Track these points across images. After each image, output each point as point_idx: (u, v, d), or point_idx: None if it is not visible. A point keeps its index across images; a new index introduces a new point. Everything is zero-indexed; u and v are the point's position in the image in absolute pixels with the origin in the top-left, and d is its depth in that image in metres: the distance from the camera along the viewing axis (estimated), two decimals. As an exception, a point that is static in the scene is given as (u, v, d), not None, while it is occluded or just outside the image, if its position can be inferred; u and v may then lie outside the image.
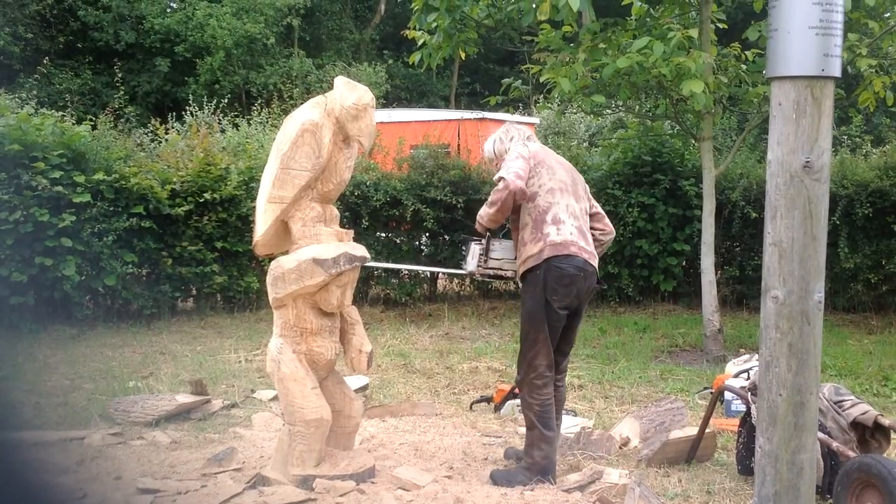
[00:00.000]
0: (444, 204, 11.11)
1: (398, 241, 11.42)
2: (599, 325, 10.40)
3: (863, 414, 4.92)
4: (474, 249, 5.31)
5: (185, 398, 6.45)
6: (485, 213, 5.14)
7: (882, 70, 8.82)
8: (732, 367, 7.66)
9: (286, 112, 16.91)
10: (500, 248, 5.31)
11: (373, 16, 37.52)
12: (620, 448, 5.77)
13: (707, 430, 5.45)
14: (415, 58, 9.97)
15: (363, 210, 10.80)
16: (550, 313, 5.03)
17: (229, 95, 24.28)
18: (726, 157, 9.80)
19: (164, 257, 10.00)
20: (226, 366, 8.04)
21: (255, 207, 9.85)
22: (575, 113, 18.76)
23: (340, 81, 4.90)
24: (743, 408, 6.43)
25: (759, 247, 11.32)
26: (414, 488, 4.77)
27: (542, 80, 8.31)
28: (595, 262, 5.16)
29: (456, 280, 12.34)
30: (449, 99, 37.94)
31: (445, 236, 11.53)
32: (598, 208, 5.45)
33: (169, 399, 6.39)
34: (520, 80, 10.28)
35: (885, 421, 4.95)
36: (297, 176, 4.75)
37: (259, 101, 21.33)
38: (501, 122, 16.75)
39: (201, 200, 10.08)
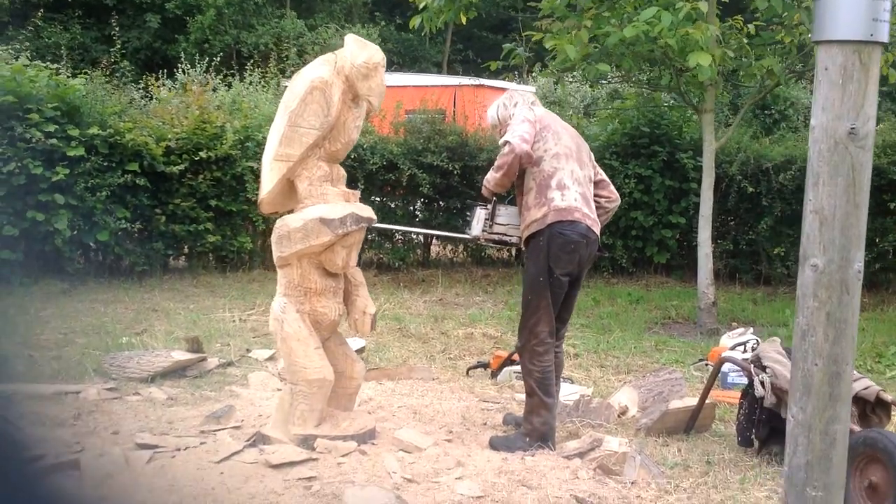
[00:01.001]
0: (441, 170, 11.04)
1: (393, 206, 11.35)
2: (593, 295, 10.39)
3: (865, 389, 4.92)
4: (479, 214, 5.26)
5: (181, 355, 6.41)
6: (491, 177, 5.09)
7: (884, 48, 8.74)
8: (727, 339, 7.69)
9: (282, 72, 16.79)
10: (506, 214, 5.26)
11: (366, -23, 37.14)
12: (619, 417, 5.78)
13: (706, 402, 5.45)
14: (415, 21, 9.86)
15: (359, 174, 10.70)
16: (553, 280, 5.00)
17: (220, 55, 24.00)
18: (727, 131, 9.76)
19: (158, 214, 9.91)
20: (220, 324, 7.99)
21: (250, 167, 9.94)
22: (571, 82, 18.61)
23: (351, 39, 4.82)
24: (740, 380, 6.47)
25: (753, 221, 11.32)
26: (415, 450, 4.76)
27: (547, 46, 8.20)
28: (597, 230, 5.13)
29: (449, 246, 12.28)
30: (441, 65, 37.69)
31: (441, 202, 11.47)
32: (602, 175, 5.41)
33: (165, 355, 6.34)
34: (520, 47, 10.20)
35: (888, 396, 4.95)
36: (304, 134, 4.68)
37: (252, 61, 21.06)
38: (499, 89, 16.68)
39: (196, 159, 9.97)
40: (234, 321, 8.19)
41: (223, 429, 5.08)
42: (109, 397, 5.75)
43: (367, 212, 4.83)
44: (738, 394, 6.19)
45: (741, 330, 7.93)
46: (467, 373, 6.81)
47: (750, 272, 11.57)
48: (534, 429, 5.04)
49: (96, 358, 6.60)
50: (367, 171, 10.76)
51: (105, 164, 9.47)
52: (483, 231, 5.26)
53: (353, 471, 4.47)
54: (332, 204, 4.77)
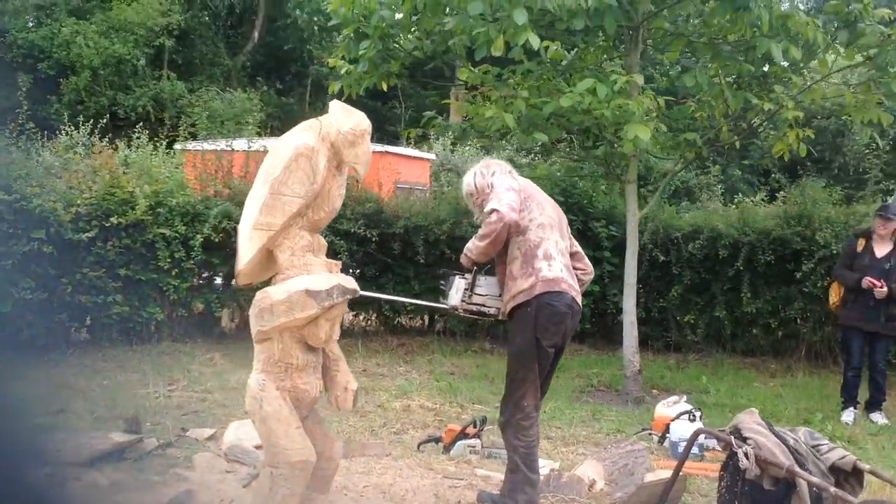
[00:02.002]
0: (358, 237, 10.88)
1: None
2: (513, 364, 10.33)
3: (841, 458, 4.98)
4: (458, 284, 5.15)
5: (119, 436, 6.01)
6: (474, 246, 5.00)
7: (796, 123, 9.13)
8: (663, 408, 7.75)
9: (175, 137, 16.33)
10: (485, 284, 5.17)
11: (245, 42, 36.87)
12: (588, 490, 5.68)
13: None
14: (334, 87, 9.78)
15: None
16: (540, 351, 4.94)
17: (94, 117, 23.27)
18: (650, 202, 9.97)
19: (63, 284, 9.39)
20: (143, 401, 7.56)
21: (161, 234, 9.55)
22: (468, 148, 18.84)
23: (337, 105, 4.69)
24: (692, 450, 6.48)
25: (664, 289, 11.54)
26: (407, 535, 4.55)
27: (487, 115, 8.17)
28: (580, 301, 5.09)
29: (363, 315, 12.09)
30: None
31: (358, 269, 11.27)
32: (577, 247, 5.39)
33: (103, 437, 5.94)
34: (439, 117, 10.27)
35: (865, 466, 5.03)
36: (288, 202, 4.49)
37: (141, 123, 20.42)
38: (405, 156, 16.65)
39: (106, 225, 9.52)
40: (157, 397, 7.77)
41: (191, 517, 4.76)
42: (49, 484, 5.30)
43: (352, 283, 4.64)
44: (702, 465, 6.26)
45: (675, 398, 8.00)
46: (418, 447, 6.61)
47: (660, 339, 11.77)
48: (517, 506, 4.91)
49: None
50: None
51: (10, 230, 8.93)
52: (462, 301, 5.15)
53: (349, 559, 4.24)
54: (317, 275, 4.58)
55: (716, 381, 9.91)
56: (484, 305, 5.18)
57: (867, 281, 8.11)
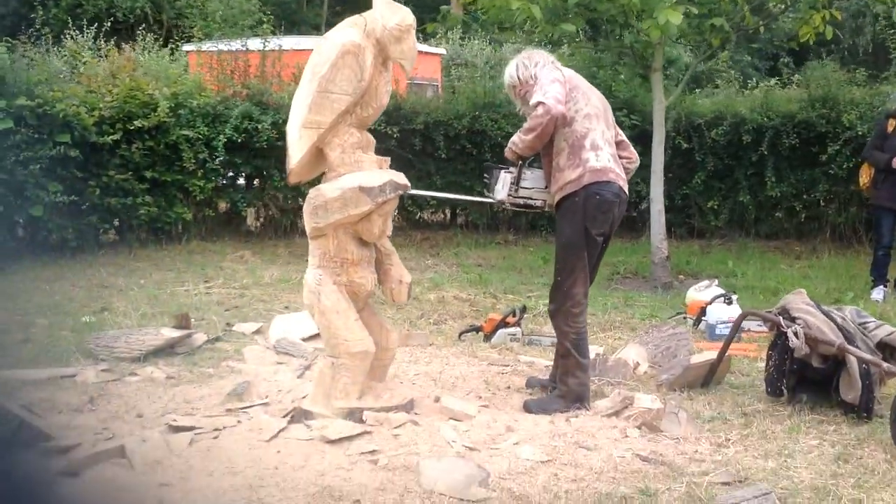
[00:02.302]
0: (378, 133, 10.84)
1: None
2: (540, 254, 10.45)
3: (889, 335, 5.10)
4: (504, 178, 5.17)
5: (171, 332, 6.13)
6: (520, 139, 4.99)
7: (822, 5, 9.00)
8: (695, 292, 7.85)
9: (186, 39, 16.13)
10: (531, 178, 5.19)
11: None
12: (633, 372, 5.82)
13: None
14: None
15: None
16: (589, 240, 4.99)
17: (94, 20, 22.88)
18: (676, 89, 9.91)
19: (91, 187, 9.44)
20: (183, 299, 7.69)
21: (184, 135, 9.55)
22: (477, 42, 18.60)
23: (380, 1, 4.64)
24: (726, 331, 6.61)
25: (686, 176, 11.55)
26: (466, 418, 4.69)
27: (514, 6, 8.03)
28: (626, 189, 5.13)
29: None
30: (320, 28, 37.04)
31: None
32: (622, 136, 5.39)
33: (155, 333, 6.06)
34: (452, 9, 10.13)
35: (914, 341, 5.14)
36: (336, 100, 4.50)
37: (143, 27, 20.11)
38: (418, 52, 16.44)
39: (130, 128, 9.52)
40: (197, 294, 7.90)
41: (251, 406, 4.90)
42: (108, 379, 5.47)
43: (403, 178, 4.69)
44: (740, 345, 6.38)
45: (706, 282, 8.10)
46: (459, 337, 6.74)
47: (683, 226, 11.83)
48: (570, 390, 5.03)
49: (70, 339, 6.26)
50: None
51: (35, 136, 8.94)
52: (509, 195, 5.18)
53: (413, 442, 4.38)
54: (369, 172, 4.62)
55: (742, 265, 10.01)
56: (530, 198, 5.22)
57: (897, 161, 8.13)
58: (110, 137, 9.36)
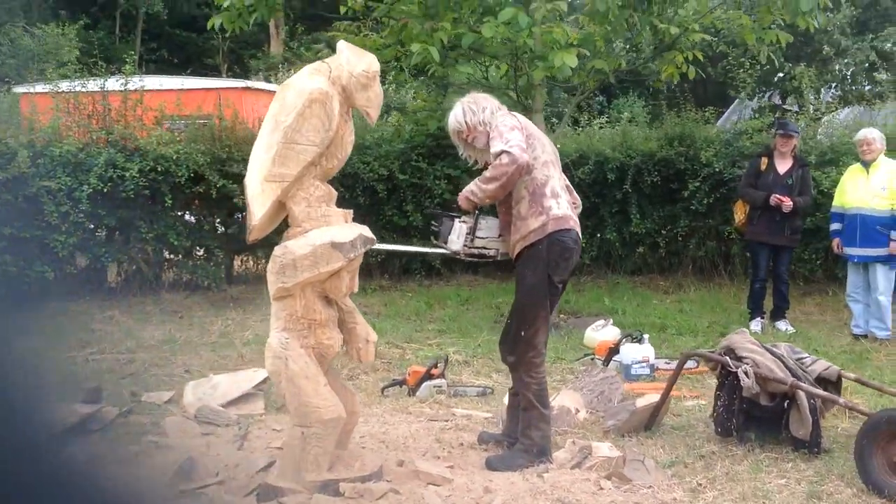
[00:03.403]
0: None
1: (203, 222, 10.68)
2: (421, 299, 10.33)
3: (825, 370, 5.29)
4: (460, 227, 5.04)
5: (84, 408, 5.63)
6: (480, 189, 4.87)
7: (687, 47, 9.40)
8: (593, 332, 7.98)
9: None
10: (486, 227, 5.10)
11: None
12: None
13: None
14: (214, 22, 9.35)
15: (164, 187, 9.92)
16: (552, 288, 4.96)
17: None
18: (556, 131, 10.07)
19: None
20: (72, 367, 7.11)
21: (46, 187, 8.89)
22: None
23: (345, 46, 4.47)
24: (642, 371, 6.73)
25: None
26: (444, 482, 4.52)
27: (413, 49, 7.95)
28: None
29: (250, 260, 11.74)
30: (136, 65, 35.77)
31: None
32: (566, 180, 5.38)
33: (68, 410, 5.53)
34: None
35: (850, 375, 5.35)
36: (302, 151, 4.29)
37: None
38: (266, 91, 16.07)
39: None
40: (86, 361, 7.33)
41: (205, 486, 4.54)
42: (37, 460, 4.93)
43: (369, 232, 4.50)
44: (658, 385, 6.47)
45: (602, 322, 8.27)
46: (382, 392, 6.53)
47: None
48: (533, 443, 4.94)
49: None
50: (172, 184, 9.99)
51: None
52: (465, 245, 5.06)
53: (402, 512, 4.16)
54: (338, 226, 4.41)
55: (617, 302, 10.23)
56: (485, 248, 5.12)
57: (775, 198, 8.51)
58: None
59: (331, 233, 4.33)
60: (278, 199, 4.34)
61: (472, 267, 11.85)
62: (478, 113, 5.09)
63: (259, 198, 4.32)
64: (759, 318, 8.88)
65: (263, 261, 11.60)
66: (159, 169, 9.85)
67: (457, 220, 5.07)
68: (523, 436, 4.99)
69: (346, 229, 4.39)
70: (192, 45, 35.98)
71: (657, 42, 9.77)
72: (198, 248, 10.79)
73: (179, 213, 10.54)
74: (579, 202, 5.39)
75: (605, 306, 10.05)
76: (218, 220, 11.05)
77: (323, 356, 4.45)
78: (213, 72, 30.95)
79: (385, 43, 9.15)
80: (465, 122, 5.11)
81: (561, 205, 4.93)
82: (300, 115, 4.25)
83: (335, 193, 4.57)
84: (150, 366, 7.25)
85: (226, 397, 6.07)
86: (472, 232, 5.05)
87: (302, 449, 4.35)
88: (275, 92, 13.19)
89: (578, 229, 5.03)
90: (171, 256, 10.69)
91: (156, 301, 9.93)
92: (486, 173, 4.84)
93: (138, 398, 6.29)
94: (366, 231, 4.44)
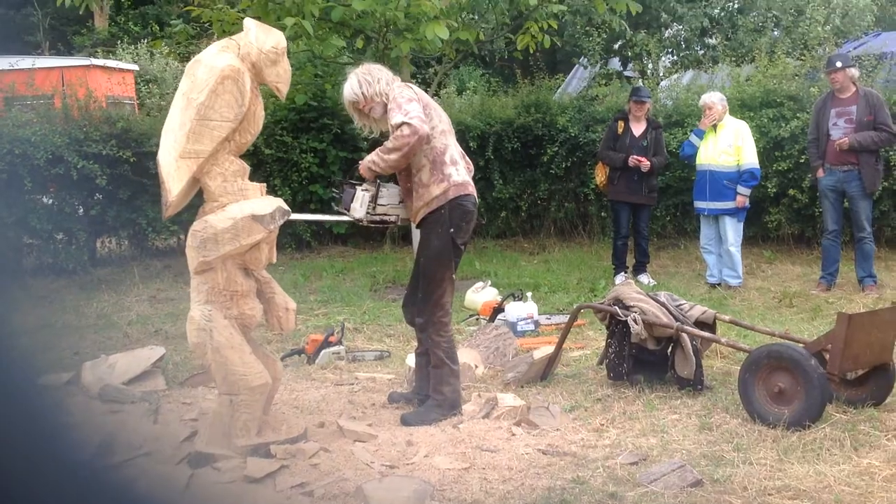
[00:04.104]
0: (112, 158, 10.31)
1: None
2: (296, 271, 10.42)
3: (703, 314, 5.77)
4: (362, 195, 5.22)
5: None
6: (381, 159, 5.05)
7: (542, 17, 9.81)
8: (473, 294, 8.32)
9: None
10: (387, 194, 5.30)
11: None
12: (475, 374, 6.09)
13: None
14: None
15: (22, 170, 9.65)
16: (456, 250, 5.22)
17: None
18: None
19: None
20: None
21: None
22: (166, 57, 18.03)
23: (253, 24, 4.58)
24: (527, 327, 7.11)
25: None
26: (370, 438, 4.74)
27: (287, 23, 7.99)
28: None
29: (112, 241, 11.53)
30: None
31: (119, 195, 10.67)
32: (460, 148, 5.62)
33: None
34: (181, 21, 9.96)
35: (725, 317, 5.86)
36: (216, 127, 4.40)
37: None
38: (108, 68, 15.65)
39: None
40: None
41: (132, 458, 4.60)
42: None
43: (284, 204, 4.64)
44: (545, 339, 6.87)
45: (480, 284, 8.61)
46: (282, 360, 6.65)
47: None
48: (445, 398, 5.22)
49: None
50: (30, 167, 9.73)
51: None
52: (367, 213, 5.25)
53: (335, 469, 4.38)
54: (256, 199, 4.54)
55: (487, 265, 10.60)
56: (387, 214, 5.33)
57: (633, 159, 9.04)
58: None
59: (250, 206, 4.46)
60: (193, 175, 4.42)
61: (340, 238, 12.03)
62: (373, 84, 5.26)
63: (175, 174, 4.40)
64: (622, 273, 9.42)
65: (126, 242, 11.48)
66: (16, 151, 9.56)
67: (358, 188, 5.25)
68: (435, 391, 5.26)
69: (265, 202, 4.53)
70: (12, 22, 34.34)
71: (514, 13, 10.12)
72: (57, 231, 10.52)
73: (38, 196, 10.25)
74: (472, 167, 5.64)
75: (477, 270, 10.39)
76: (78, 202, 10.78)
77: (246, 326, 4.59)
78: (35, 50, 29.66)
79: (241, 17, 9.18)
80: (362, 93, 5.27)
81: (460, 171, 5.19)
82: (213, 92, 4.34)
83: (247, 168, 4.68)
84: (35, 350, 7.11)
85: (125, 375, 6.06)
86: (374, 199, 5.24)
87: (231, 416, 4.49)
88: (118, 70, 13.00)
89: (475, 193, 5.30)
90: (31, 241, 10.39)
91: (21, 287, 9.63)
92: (388, 144, 5.03)
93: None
94: (282, 203, 4.58)
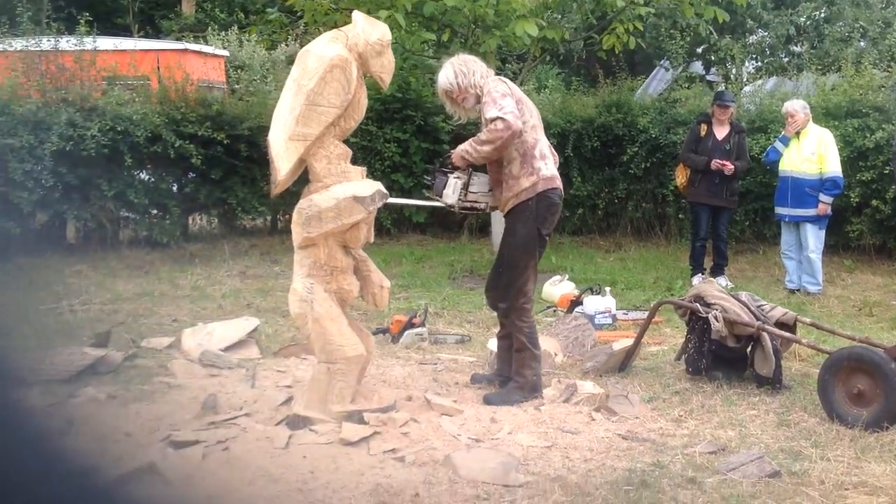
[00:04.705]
0: (206, 140, 10.71)
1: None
2: (376, 257, 10.58)
3: (783, 315, 5.88)
4: (455, 183, 5.45)
5: (94, 351, 5.93)
6: (474, 150, 5.26)
7: (628, 18, 9.93)
8: (551, 287, 8.48)
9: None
10: (478, 182, 5.53)
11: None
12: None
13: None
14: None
15: (123, 146, 10.08)
16: (541, 240, 5.43)
17: None
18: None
19: None
20: (58, 317, 7.34)
21: (9, 144, 9.00)
22: (256, 44, 18.46)
23: (360, 17, 4.84)
24: (605, 321, 7.27)
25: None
26: (456, 413, 4.97)
27: (381, 17, 8.27)
28: None
29: (205, 217, 11.99)
30: (42, 24, 34.94)
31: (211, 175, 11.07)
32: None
33: (81, 353, 5.84)
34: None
35: (806, 320, 5.97)
36: (324, 112, 4.66)
37: None
38: (201, 53, 16.11)
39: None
40: (62, 313, 7.54)
41: (233, 417, 4.90)
42: (52, 401, 5.23)
43: (383, 188, 4.89)
44: (622, 333, 7.02)
45: (557, 277, 8.77)
46: (367, 339, 6.93)
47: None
48: (526, 381, 5.43)
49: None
50: (130, 144, 10.16)
51: None
52: (459, 199, 5.48)
53: (424, 438, 4.62)
54: (360, 181, 4.80)
55: (563, 260, 10.76)
56: (477, 202, 5.56)
57: (716, 162, 9.13)
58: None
59: (352, 187, 4.72)
60: (301, 156, 4.69)
61: (419, 227, 12.29)
62: (468, 75, 5.49)
63: (284, 155, 4.67)
64: (699, 275, 9.50)
65: (216, 220, 11.91)
66: (118, 129, 10.00)
67: (451, 175, 5.48)
68: (517, 374, 5.47)
69: (365, 184, 4.78)
70: (101, 5, 35.28)
71: (601, 13, 10.26)
72: (152, 206, 10.95)
73: (136, 172, 10.69)
74: (558, 160, 5.83)
75: (554, 264, 10.56)
76: (173, 179, 11.24)
77: (343, 300, 4.86)
78: (125, 32, 30.45)
79: (335, 7, 9.49)
80: (457, 83, 5.50)
81: (548, 165, 5.41)
82: (322, 80, 4.61)
83: (350, 152, 4.94)
84: (136, 316, 7.52)
85: (222, 343, 6.40)
86: (465, 187, 5.47)
87: (327, 383, 4.75)
88: (212, 55, 13.40)
89: (562, 187, 5.51)
90: (128, 214, 10.85)
91: (118, 257, 10.10)
92: (481, 136, 5.25)
93: (138, 344, 6.57)
94: (381, 187, 4.84)
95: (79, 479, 4.04)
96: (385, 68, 4.86)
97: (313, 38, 4.92)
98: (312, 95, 4.61)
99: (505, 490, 4.10)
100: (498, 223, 9.82)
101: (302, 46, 13.01)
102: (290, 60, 19.11)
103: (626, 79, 13.17)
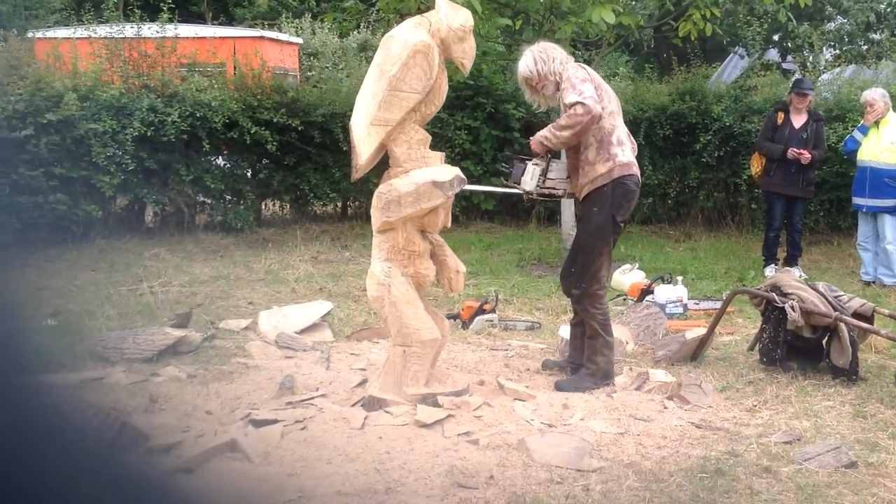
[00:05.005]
0: (281, 126, 10.88)
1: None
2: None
3: (861, 306, 5.81)
4: (533, 169, 5.49)
5: (175, 331, 6.09)
6: (553, 135, 5.31)
7: (704, 5, 9.82)
8: (621, 275, 8.45)
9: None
10: (557, 169, 5.55)
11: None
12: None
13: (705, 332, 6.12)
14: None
15: (201, 132, 10.30)
16: (615, 227, 5.43)
17: None
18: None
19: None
20: (139, 298, 7.54)
21: (93, 129, 9.24)
22: (328, 31, 18.69)
23: (444, 2, 4.87)
24: (676, 310, 7.24)
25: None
26: (529, 398, 5.02)
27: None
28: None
29: (277, 203, 12.20)
30: (119, 10, 35.55)
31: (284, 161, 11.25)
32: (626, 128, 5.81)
33: (163, 333, 6.00)
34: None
35: (885, 311, 5.89)
36: (405, 98, 4.72)
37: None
38: (275, 40, 16.33)
39: (42, 122, 9.15)
40: (142, 295, 7.74)
41: (311, 398, 5.01)
42: (139, 380, 5.41)
43: (462, 174, 4.94)
44: (693, 322, 6.99)
45: (627, 266, 8.73)
46: (438, 324, 7.00)
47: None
48: (598, 367, 5.45)
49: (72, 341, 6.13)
50: (208, 130, 10.37)
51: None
52: (537, 186, 5.51)
53: (497, 422, 4.67)
54: (439, 166, 4.86)
55: (633, 249, 10.71)
56: (555, 189, 5.59)
57: (793, 151, 9.01)
58: (22, 133, 8.94)
59: (431, 172, 4.78)
60: (382, 141, 4.76)
61: (487, 214, 12.33)
62: (548, 62, 5.52)
63: (365, 140, 4.75)
64: (772, 265, 9.40)
65: (288, 206, 12.10)
66: (197, 115, 10.20)
67: (529, 163, 5.52)
68: (589, 361, 5.50)
69: (444, 169, 4.84)
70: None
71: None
72: (227, 192, 11.16)
73: (213, 158, 10.91)
74: (636, 147, 5.82)
75: (623, 253, 10.52)
76: (248, 165, 11.44)
77: (420, 284, 4.93)
78: (199, 19, 30.90)
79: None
80: (537, 71, 5.53)
81: (625, 152, 5.40)
82: (405, 65, 4.67)
83: (430, 137, 5.00)
84: (213, 298, 7.70)
85: (297, 325, 6.53)
86: (544, 173, 5.50)
87: (403, 366, 4.83)
88: (287, 42, 13.60)
89: (639, 174, 5.50)
90: (205, 199, 11.07)
91: (194, 241, 10.32)
92: (560, 121, 5.29)
93: (216, 326, 6.73)
94: (460, 172, 4.89)
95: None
96: (467, 54, 4.92)
97: (385, 26, 4.99)
98: (395, 81, 4.67)
99: (578, 474, 4.13)
100: (567, 212, 9.80)
101: (373, 34, 13.25)
102: (361, 48, 19.40)
103: (701, 66, 13.02)
